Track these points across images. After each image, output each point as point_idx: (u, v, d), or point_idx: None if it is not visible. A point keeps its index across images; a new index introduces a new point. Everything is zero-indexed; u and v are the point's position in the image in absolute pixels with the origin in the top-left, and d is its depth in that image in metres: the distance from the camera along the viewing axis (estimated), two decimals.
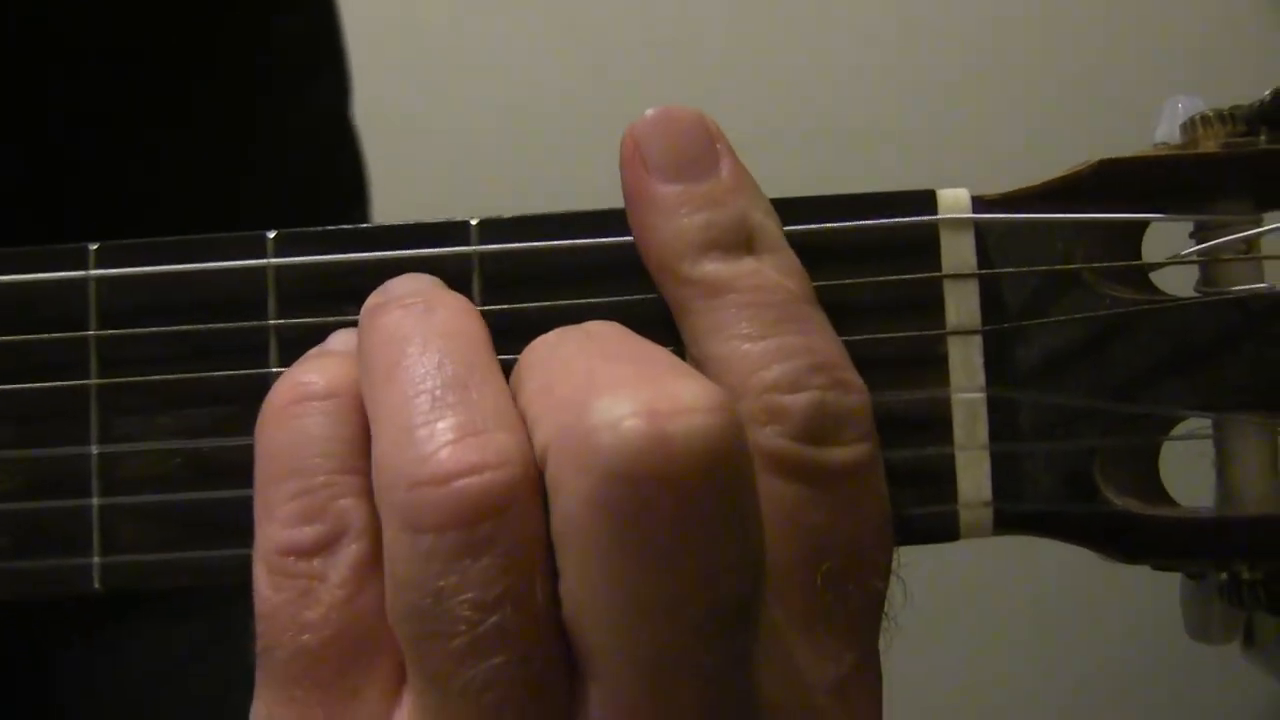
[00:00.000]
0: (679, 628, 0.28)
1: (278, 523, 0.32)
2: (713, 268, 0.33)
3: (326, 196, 0.70)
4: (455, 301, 0.33)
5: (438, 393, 0.31)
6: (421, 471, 0.29)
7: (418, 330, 0.32)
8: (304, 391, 0.33)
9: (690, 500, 0.28)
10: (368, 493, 0.32)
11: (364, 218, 0.72)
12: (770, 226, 0.34)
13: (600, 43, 1.26)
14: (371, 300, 0.35)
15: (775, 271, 0.33)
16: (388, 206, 0.73)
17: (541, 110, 1.25)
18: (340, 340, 0.35)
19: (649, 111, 0.34)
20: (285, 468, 0.33)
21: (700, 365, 0.33)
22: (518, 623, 0.29)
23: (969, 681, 1.25)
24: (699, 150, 0.34)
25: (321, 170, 0.69)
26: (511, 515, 0.29)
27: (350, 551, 0.32)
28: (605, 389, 0.28)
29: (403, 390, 0.31)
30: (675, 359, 0.31)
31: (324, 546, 0.32)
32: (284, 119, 0.65)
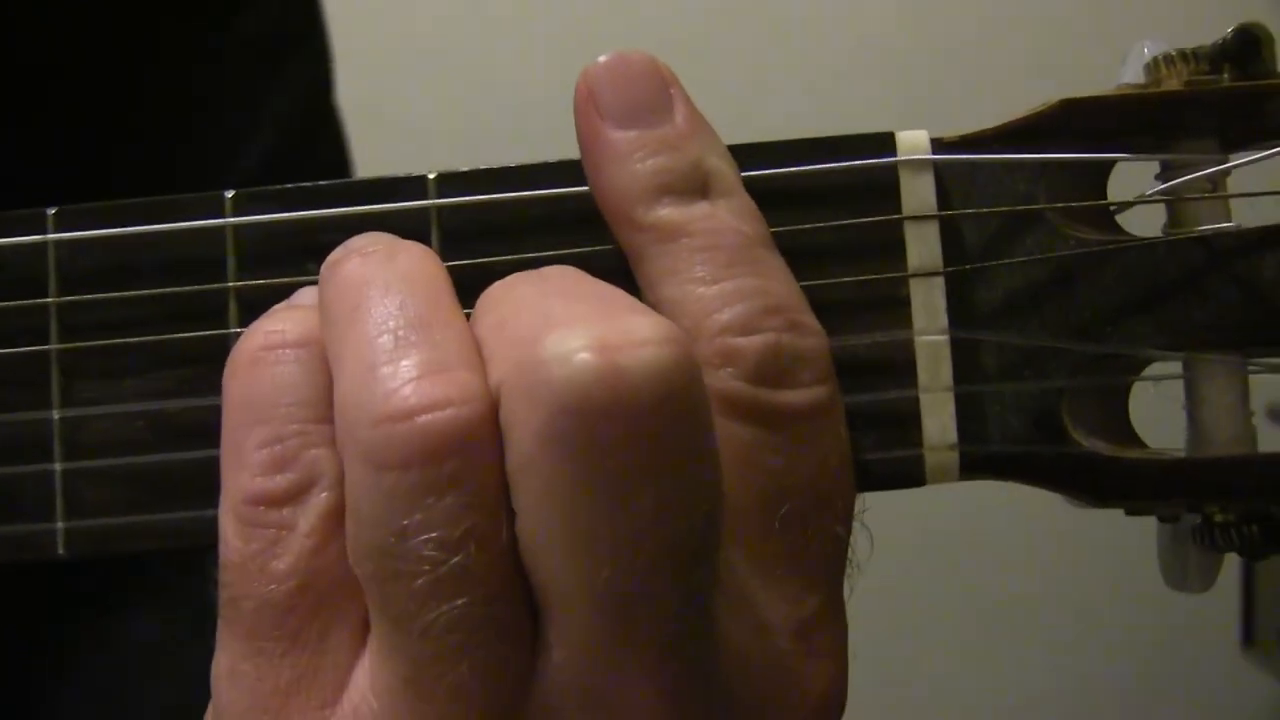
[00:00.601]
0: (635, 563, 0.28)
1: (247, 471, 0.32)
2: (666, 212, 0.33)
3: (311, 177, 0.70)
4: (416, 248, 0.33)
5: (400, 332, 0.30)
6: (385, 408, 0.29)
7: (379, 274, 0.32)
8: (274, 340, 0.33)
9: (643, 433, 0.28)
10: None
11: None
12: (725, 170, 0.33)
13: (594, 36, 1.25)
14: (333, 255, 0.34)
15: (730, 215, 0.33)
16: None
17: (534, 105, 1.25)
18: (308, 295, 0.35)
19: (602, 57, 0.34)
20: (255, 416, 0.32)
21: (656, 310, 0.32)
22: (481, 562, 0.29)
23: (968, 683, 1.25)
24: (653, 95, 0.34)
25: (304, 155, 0.69)
26: (475, 452, 0.29)
27: (320, 500, 0.32)
28: (559, 324, 0.28)
29: (365, 330, 0.31)
30: (632, 299, 0.31)
31: (294, 495, 0.32)
32: (264, 101, 0.65)
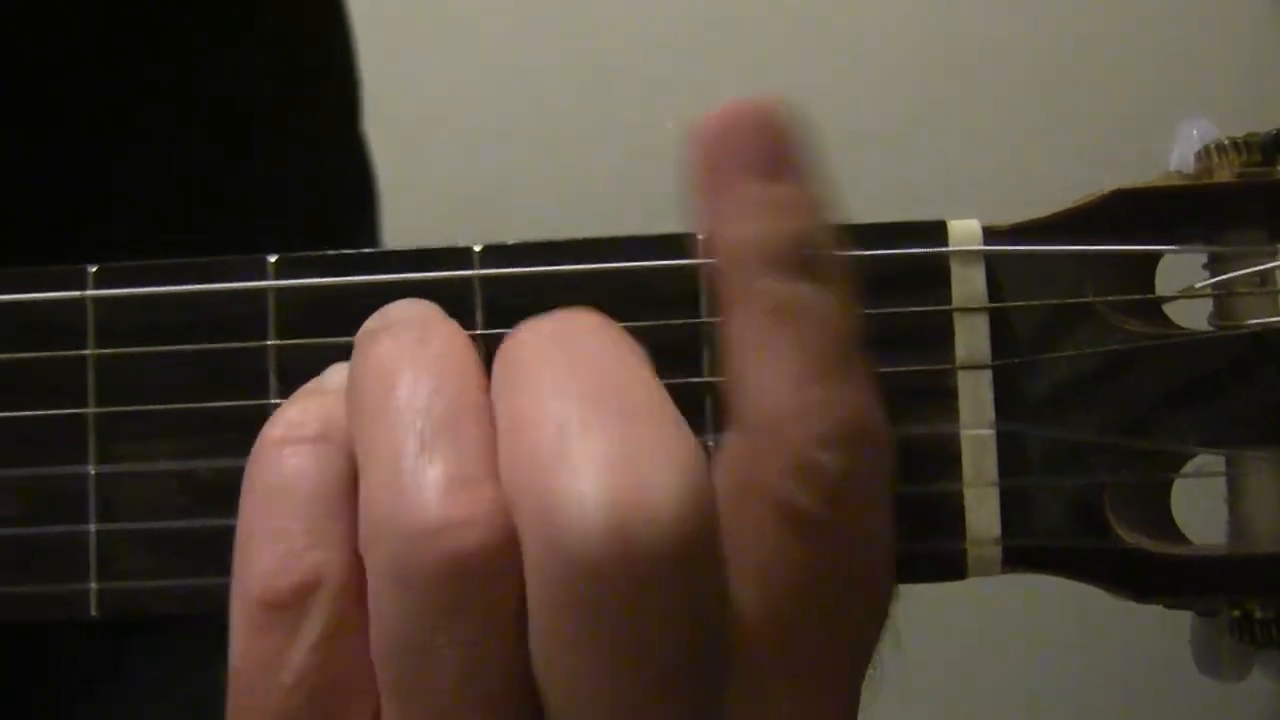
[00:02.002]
0: (641, 713, 0.28)
1: (254, 569, 0.32)
2: (781, 287, 0.31)
3: (335, 206, 0.69)
4: (450, 332, 0.33)
5: (427, 435, 0.30)
6: (412, 522, 0.29)
7: (409, 363, 0.31)
8: (294, 433, 0.32)
9: (652, 597, 0.28)
10: (350, 539, 0.31)
11: (373, 227, 0.72)
12: (837, 255, 0.32)
13: (607, 42, 1.25)
14: (368, 324, 0.34)
15: (838, 309, 0.31)
16: (395, 211, 0.73)
17: (546, 110, 1.25)
18: (336, 377, 0.34)
19: (739, 100, 0.32)
20: (267, 509, 0.32)
21: (739, 376, 0.31)
22: (502, 682, 0.29)
23: (968, 679, 1.25)
24: (789, 155, 0.32)
25: (331, 180, 0.69)
26: (498, 572, 0.29)
27: (327, 605, 0.31)
28: (574, 462, 0.28)
29: (391, 429, 0.30)
30: (655, 404, 0.30)
31: (301, 599, 0.31)
32: (291, 128, 0.65)
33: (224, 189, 0.61)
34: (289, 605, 0.31)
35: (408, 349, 0.32)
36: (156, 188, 0.59)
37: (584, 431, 0.29)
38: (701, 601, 0.29)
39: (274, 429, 0.33)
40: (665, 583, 0.28)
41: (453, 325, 0.33)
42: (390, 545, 0.29)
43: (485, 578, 0.29)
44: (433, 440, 0.30)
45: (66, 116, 0.56)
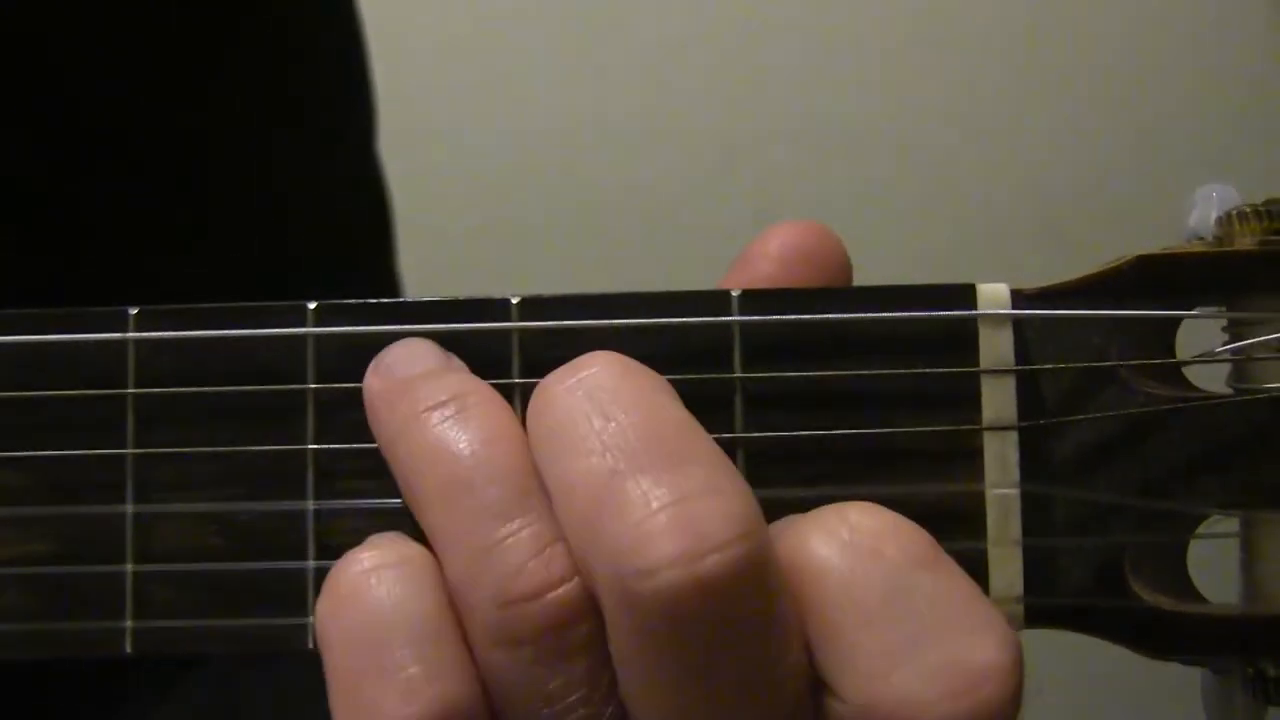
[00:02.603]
0: None
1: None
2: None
3: (347, 226, 0.70)
4: (483, 396, 0.34)
5: (503, 507, 0.31)
6: (512, 590, 0.31)
7: (461, 439, 0.33)
8: (376, 562, 0.33)
9: (728, 626, 0.29)
10: (464, 656, 0.32)
11: (390, 247, 0.73)
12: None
13: (608, 44, 1.26)
14: (376, 382, 0.35)
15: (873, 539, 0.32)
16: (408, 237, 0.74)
17: (553, 116, 1.25)
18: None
19: None
20: (372, 651, 0.32)
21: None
22: (620, 711, 0.31)
23: None
24: None
25: (348, 206, 0.69)
26: (588, 617, 0.31)
27: None
28: (635, 526, 0.29)
29: (467, 510, 0.32)
30: (693, 441, 0.31)
31: None
32: (311, 155, 0.65)
33: (241, 209, 0.61)
34: None
35: (452, 425, 0.33)
36: (174, 206, 0.59)
37: (636, 485, 0.30)
38: (774, 615, 0.30)
39: (353, 565, 0.33)
40: (741, 606, 0.29)
41: (480, 385, 0.34)
42: (495, 613, 0.31)
43: (580, 623, 0.31)
44: (509, 511, 0.31)
45: (81, 126, 0.56)
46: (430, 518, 0.33)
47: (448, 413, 0.33)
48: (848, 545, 0.31)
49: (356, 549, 0.34)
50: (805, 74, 1.25)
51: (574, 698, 0.31)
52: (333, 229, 0.67)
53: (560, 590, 0.31)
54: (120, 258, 0.54)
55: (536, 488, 0.32)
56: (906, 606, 0.30)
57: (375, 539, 0.34)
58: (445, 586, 0.32)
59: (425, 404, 0.33)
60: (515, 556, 0.31)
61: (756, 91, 1.24)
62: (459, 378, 0.34)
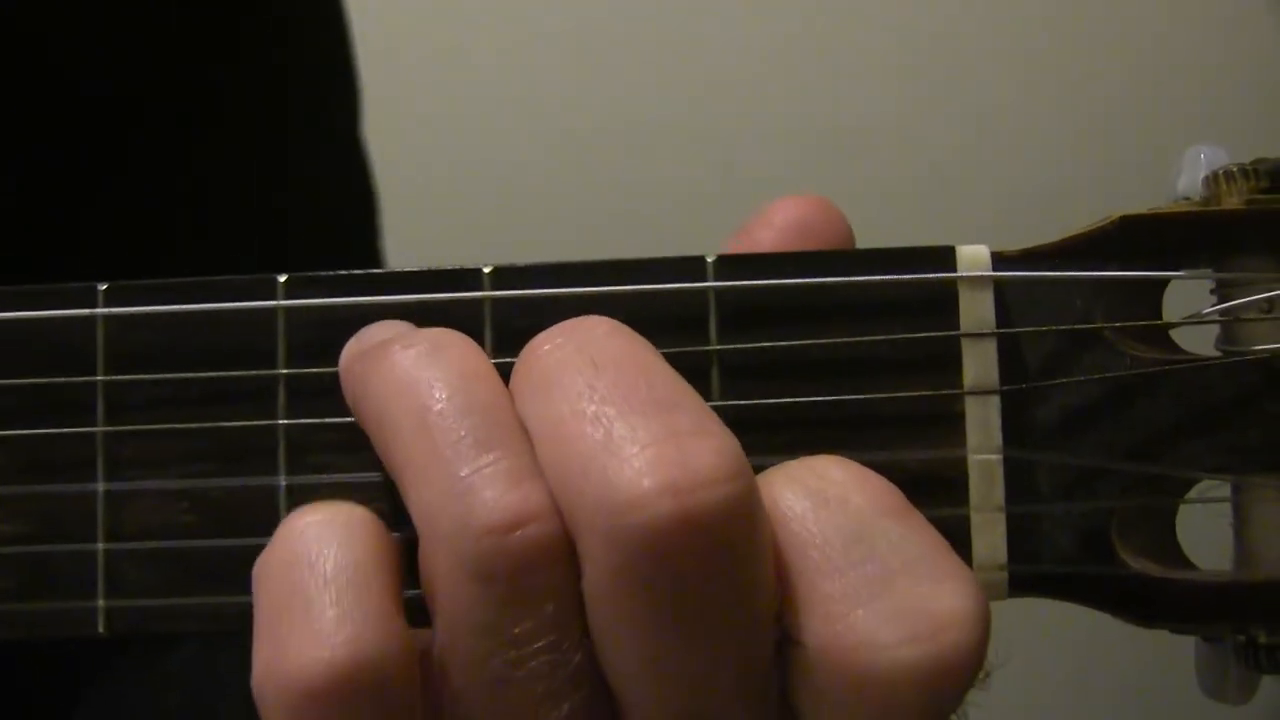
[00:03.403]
0: (712, 689, 0.29)
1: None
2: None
3: (338, 217, 0.70)
4: (458, 339, 0.33)
5: (479, 436, 0.31)
6: (489, 518, 0.30)
7: (436, 372, 0.32)
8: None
9: (716, 567, 0.29)
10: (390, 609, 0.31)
11: (375, 232, 0.72)
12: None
13: (607, 43, 1.25)
14: (353, 349, 0.34)
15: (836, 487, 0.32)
16: (395, 220, 0.73)
17: (543, 109, 1.25)
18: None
19: None
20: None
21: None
22: (586, 663, 0.30)
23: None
24: None
25: (334, 191, 0.69)
26: (563, 562, 0.30)
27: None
28: (626, 458, 0.29)
29: (441, 438, 0.31)
30: (681, 392, 0.31)
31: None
32: (297, 141, 0.65)
33: (224, 195, 0.61)
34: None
35: (429, 359, 0.32)
36: (155, 193, 0.59)
37: (626, 424, 0.29)
38: (765, 582, 0.30)
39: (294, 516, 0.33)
40: (728, 545, 0.29)
41: (459, 334, 0.34)
42: (470, 543, 0.30)
43: (554, 565, 0.30)
44: (486, 441, 0.31)
45: (64, 119, 0.56)
46: (400, 451, 0.32)
47: (422, 349, 0.32)
48: (815, 494, 0.31)
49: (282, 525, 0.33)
50: (805, 74, 1.24)
51: (540, 644, 0.30)
52: (322, 218, 0.67)
53: (538, 525, 0.30)
54: (119, 256, 0.54)
55: (515, 425, 0.31)
56: (870, 551, 0.30)
57: (328, 503, 0.34)
58: (385, 543, 0.32)
59: (395, 344, 0.33)
60: (493, 487, 0.30)
61: (756, 91, 1.24)
62: (436, 330, 0.34)
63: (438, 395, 0.31)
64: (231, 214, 0.61)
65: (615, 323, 0.33)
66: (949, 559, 0.31)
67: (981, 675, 0.32)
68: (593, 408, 0.30)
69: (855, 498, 0.31)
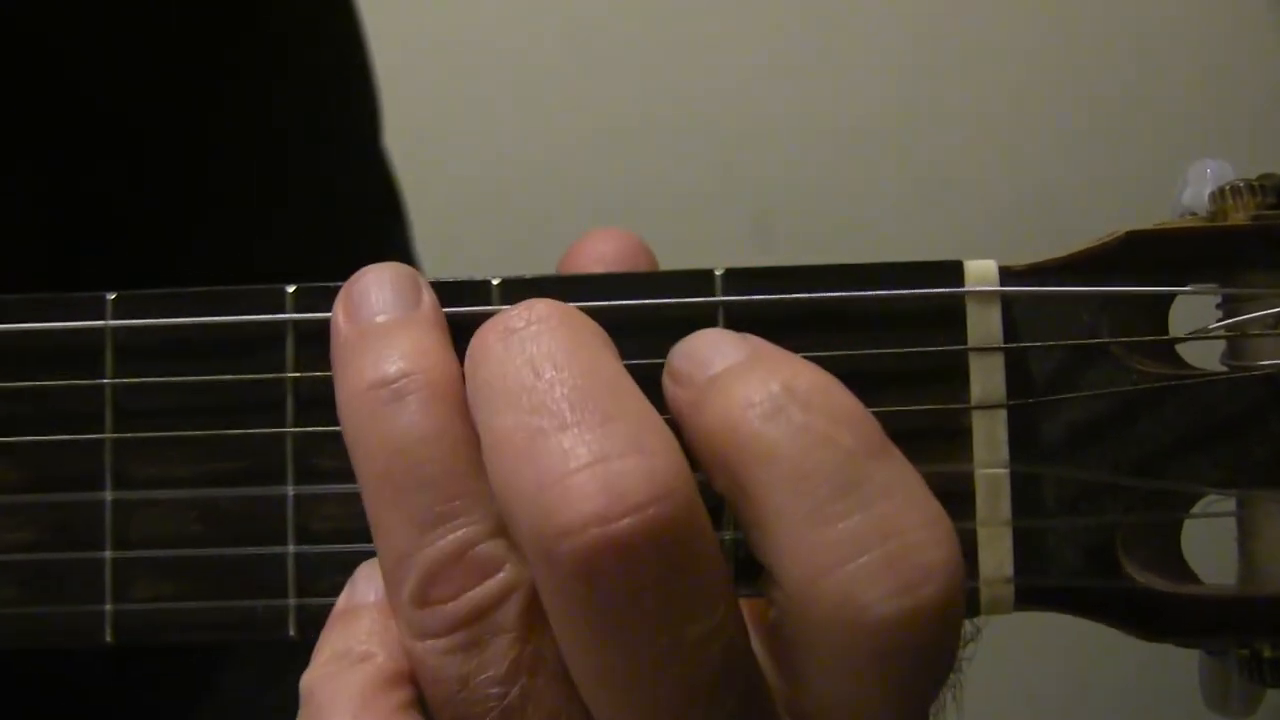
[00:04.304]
0: (658, 698, 0.30)
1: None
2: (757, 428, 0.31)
3: (359, 218, 0.70)
4: (428, 379, 0.33)
5: (428, 514, 0.32)
6: (427, 594, 0.32)
7: (395, 434, 0.32)
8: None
9: (646, 585, 0.29)
10: None
11: (405, 241, 0.72)
12: (807, 372, 0.32)
13: (608, 42, 1.25)
14: (341, 321, 0.34)
15: (826, 422, 0.31)
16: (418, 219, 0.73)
17: (546, 111, 1.25)
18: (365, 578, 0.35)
19: None
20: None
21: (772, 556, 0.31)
22: (542, 685, 0.31)
23: (968, 682, 1.25)
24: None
25: (353, 192, 0.69)
26: (508, 601, 0.31)
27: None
28: (555, 488, 0.29)
29: (394, 511, 0.32)
30: (619, 396, 0.31)
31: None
32: (313, 139, 0.65)
33: (250, 209, 0.61)
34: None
35: (389, 412, 0.33)
36: (178, 206, 0.59)
37: (559, 443, 0.30)
38: (703, 593, 0.30)
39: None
40: (655, 567, 0.29)
41: (428, 357, 0.33)
42: (406, 613, 0.32)
43: (499, 613, 0.31)
44: (434, 516, 0.32)
45: (64, 121, 0.56)
46: (366, 505, 0.33)
47: (385, 396, 0.33)
48: (802, 430, 0.30)
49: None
50: (805, 74, 1.24)
51: (484, 677, 0.31)
52: (342, 224, 0.67)
53: (476, 590, 0.31)
54: (122, 259, 0.54)
55: (468, 484, 0.32)
56: (856, 500, 0.30)
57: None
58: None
59: (368, 378, 0.33)
60: (439, 562, 0.31)
61: (756, 91, 1.24)
62: (410, 346, 0.33)
63: (392, 466, 0.32)
64: (234, 219, 0.61)
65: (566, 316, 0.32)
66: (929, 503, 0.30)
67: (968, 635, 0.32)
68: (528, 422, 0.30)
69: (845, 437, 0.30)
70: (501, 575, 0.31)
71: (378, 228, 0.71)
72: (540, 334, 0.32)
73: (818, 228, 1.20)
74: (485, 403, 0.31)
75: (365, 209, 0.69)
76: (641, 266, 0.40)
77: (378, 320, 0.34)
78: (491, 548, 0.31)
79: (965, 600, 0.30)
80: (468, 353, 0.33)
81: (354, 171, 0.69)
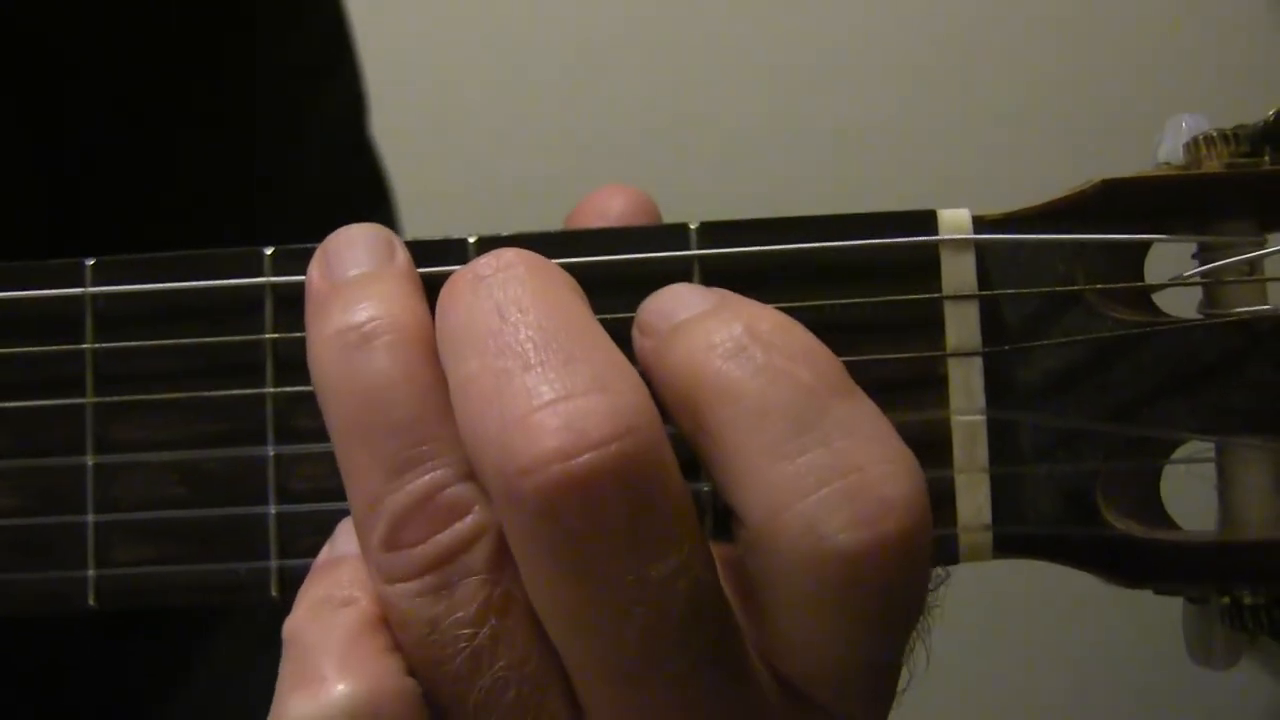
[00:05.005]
0: (628, 636, 0.30)
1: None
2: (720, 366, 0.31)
3: (344, 206, 0.70)
4: (396, 327, 0.33)
5: (396, 459, 0.32)
6: (397, 537, 0.32)
7: (362, 380, 0.33)
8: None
9: (610, 521, 0.29)
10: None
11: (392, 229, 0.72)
12: (767, 314, 0.32)
13: (608, 42, 1.26)
14: (316, 277, 0.34)
15: (786, 360, 0.31)
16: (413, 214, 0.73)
17: (546, 112, 1.25)
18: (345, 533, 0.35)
19: None
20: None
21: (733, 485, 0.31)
22: (511, 625, 0.31)
23: (968, 681, 1.25)
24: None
25: (338, 180, 0.69)
26: (472, 533, 0.32)
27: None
28: (517, 426, 0.29)
29: (362, 455, 0.32)
30: (585, 339, 0.31)
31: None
32: (297, 129, 0.65)
33: (234, 197, 0.61)
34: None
35: (356, 358, 0.33)
36: (164, 193, 0.59)
37: (521, 384, 0.30)
38: (658, 513, 0.30)
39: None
40: (623, 501, 0.29)
41: (396, 309, 0.33)
42: (374, 556, 0.32)
43: (468, 555, 0.31)
44: (402, 461, 0.32)
45: (75, 119, 0.56)
46: (336, 453, 0.33)
47: (354, 341, 0.33)
48: (762, 369, 0.30)
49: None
50: (805, 74, 1.25)
51: (454, 618, 0.31)
52: (329, 212, 0.67)
53: (444, 534, 0.31)
54: (98, 243, 0.54)
55: (436, 429, 0.32)
56: (817, 436, 0.30)
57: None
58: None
59: (336, 325, 0.33)
60: (407, 504, 0.31)
61: (756, 91, 1.24)
62: (380, 295, 0.34)
63: (360, 411, 0.32)
64: (227, 211, 0.61)
65: (533, 263, 0.33)
66: (892, 440, 0.30)
67: (938, 579, 0.32)
68: (493, 365, 0.31)
69: (804, 373, 0.30)
70: (470, 519, 0.31)
71: (364, 216, 0.71)
72: (508, 280, 0.32)
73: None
74: (453, 348, 0.32)
75: (351, 197, 0.69)
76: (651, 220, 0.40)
77: (351, 274, 0.34)
78: (460, 491, 0.31)
79: (931, 538, 0.30)
80: (438, 301, 0.33)
81: (340, 160, 0.69)
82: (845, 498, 0.29)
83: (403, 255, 0.35)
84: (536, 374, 0.30)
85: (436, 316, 0.33)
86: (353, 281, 0.34)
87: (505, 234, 0.36)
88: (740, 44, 1.25)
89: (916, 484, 0.30)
